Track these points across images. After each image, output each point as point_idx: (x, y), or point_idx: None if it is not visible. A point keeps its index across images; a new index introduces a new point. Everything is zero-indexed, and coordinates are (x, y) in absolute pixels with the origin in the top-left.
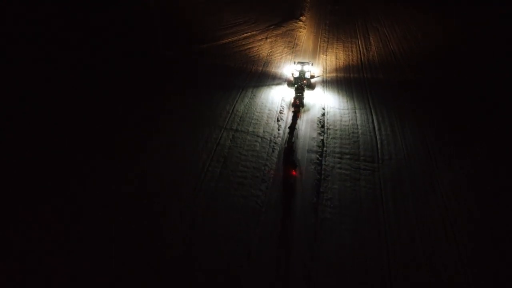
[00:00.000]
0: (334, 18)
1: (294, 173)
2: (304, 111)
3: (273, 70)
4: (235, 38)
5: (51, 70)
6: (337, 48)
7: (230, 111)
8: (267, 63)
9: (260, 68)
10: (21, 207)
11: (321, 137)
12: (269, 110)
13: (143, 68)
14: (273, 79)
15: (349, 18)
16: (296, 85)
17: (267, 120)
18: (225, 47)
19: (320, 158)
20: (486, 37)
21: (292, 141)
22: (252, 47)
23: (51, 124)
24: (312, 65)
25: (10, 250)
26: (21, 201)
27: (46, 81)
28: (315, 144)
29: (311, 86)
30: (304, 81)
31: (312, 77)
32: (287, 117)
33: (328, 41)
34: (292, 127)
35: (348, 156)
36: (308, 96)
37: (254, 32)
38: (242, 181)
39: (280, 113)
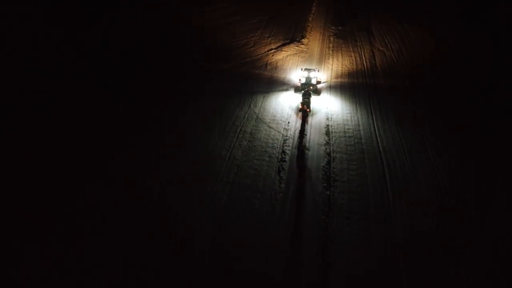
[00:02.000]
0: (338, 40)
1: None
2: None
3: (273, 106)
4: (231, 65)
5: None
6: (342, 77)
7: (227, 158)
8: (266, 96)
9: (259, 105)
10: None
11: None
12: (269, 156)
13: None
14: (273, 119)
15: (354, 41)
16: (303, 91)
17: (267, 170)
18: (221, 76)
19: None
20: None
21: (302, 145)
22: (250, 75)
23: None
24: (318, 71)
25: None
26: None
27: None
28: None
29: (317, 92)
30: (311, 87)
31: (319, 82)
32: (288, 167)
33: (332, 68)
34: (302, 131)
35: None
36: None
37: (252, 58)
38: (241, 256)
39: (282, 161)
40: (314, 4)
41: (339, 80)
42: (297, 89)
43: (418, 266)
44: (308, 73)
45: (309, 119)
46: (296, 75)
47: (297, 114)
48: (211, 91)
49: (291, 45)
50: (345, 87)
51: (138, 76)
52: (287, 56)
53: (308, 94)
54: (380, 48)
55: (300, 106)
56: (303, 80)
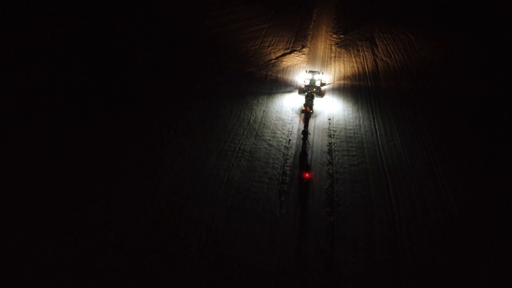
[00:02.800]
0: (339, 50)
1: (308, 175)
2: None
3: (273, 123)
4: (233, 75)
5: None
6: (344, 91)
7: (225, 180)
8: (266, 113)
9: (258, 121)
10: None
11: None
12: (269, 179)
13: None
14: (273, 136)
15: (357, 51)
16: (306, 93)
17: (267, 194)
18: (220, 88)
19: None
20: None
21: (306, 145)
22: (251, 83)
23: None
24: (322, 74)
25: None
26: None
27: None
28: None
29: (321, 94)
30: (314, 89)
31: (323, 84)
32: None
33: (334, 81)
34: (305, 132)
35: None
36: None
37: (252, 69)
38: None
39: (283, 183)
40: (315, 11)
41: (341, 90)
42: (301, 90)
43: None
44: (313, 76)
45: (312, 136)
46: (301, 77)
47: (300, 116)
48: (206, 101)
49: (292, 54)
50: (348, 97)
51: (135, 80)
52: (287, 67)
53: (311, 96)
54: (384, 58)
55: (303, 108)
56: (307, 82)
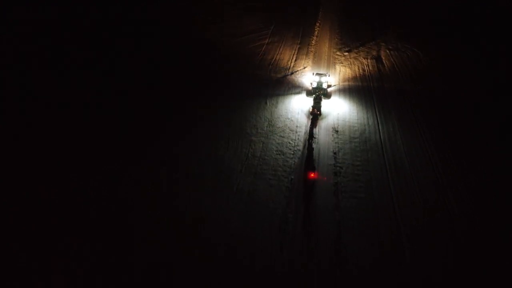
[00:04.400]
0: (344, 70)
1: (313, 175)
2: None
3: (273, 157)
4: (229, 96)
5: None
6: (350, 107)
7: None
8: (266, 144)
9: (258, 154)
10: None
11: None
12: (269, 225)
13: None
14: (274, 174)
15: (361, 70)
16: (314, 95)
17: (269, 246)
18: (217, 110)
19: None
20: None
21: (312, 146)
22: (249, 108)
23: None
24: (329, 76)
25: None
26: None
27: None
28: None
29: (328, 95)
30: (321, 91)
31: (329, 86)
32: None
33: (338, 101)
34: (311, 133)
35: None
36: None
37: (250, 92)
38: None
39: (285, 233)
40: (318, 24)
41: (346, 115)
42: (308, 92)
43: None
44: (320, 78)
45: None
46: (307, 79)
47: (308, 117)
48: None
49: (294, 75)
50: (354, 123)
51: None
52: (288, 89)
53: (319, 98)
54: (389, 74)
55: (311, 110)
56: (314, 84)
